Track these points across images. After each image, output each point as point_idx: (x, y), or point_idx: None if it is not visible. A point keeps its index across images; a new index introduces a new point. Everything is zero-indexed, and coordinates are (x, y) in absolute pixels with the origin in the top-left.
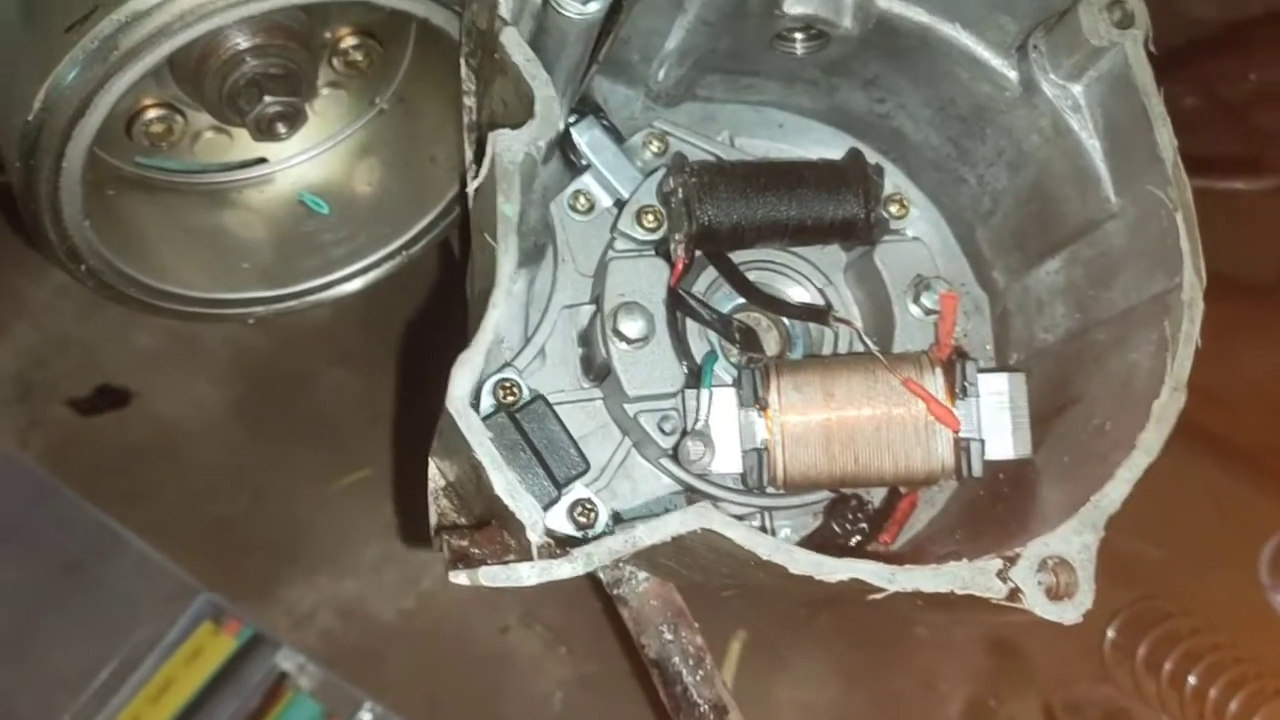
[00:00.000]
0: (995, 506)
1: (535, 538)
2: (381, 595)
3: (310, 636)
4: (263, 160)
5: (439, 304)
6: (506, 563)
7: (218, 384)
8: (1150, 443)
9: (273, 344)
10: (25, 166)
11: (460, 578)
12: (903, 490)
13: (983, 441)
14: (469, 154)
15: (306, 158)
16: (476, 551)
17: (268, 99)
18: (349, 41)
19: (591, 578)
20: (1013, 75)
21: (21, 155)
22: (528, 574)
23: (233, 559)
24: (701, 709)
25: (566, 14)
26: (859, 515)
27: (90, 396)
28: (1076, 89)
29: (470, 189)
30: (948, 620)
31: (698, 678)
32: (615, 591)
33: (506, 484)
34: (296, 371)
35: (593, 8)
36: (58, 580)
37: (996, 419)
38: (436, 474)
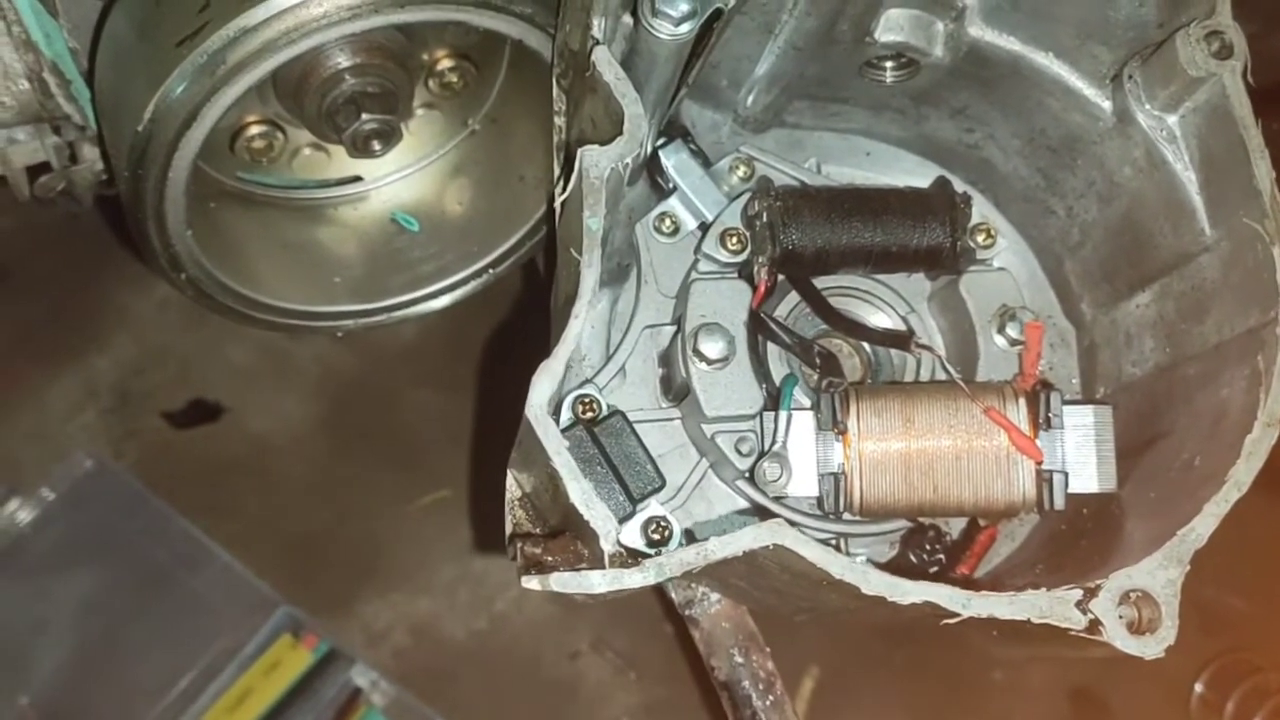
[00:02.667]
0: (1078, 542)
1: (608, 546)
2: (455, 615)
3: (384, 653)
4: (358, 178)
5: (522, 327)
6: (578, 570)
7: (306, 401)
8: (1241, 477)
9: (360, 363)
10: (133, 175)
11: (532, 583)
12: (982, 522)
13: (1066, 474)
14: (558, 172)
15: (400, 177)
16: (549, 559)
17: (364, 116)
18: (445, 64)
19: (665, 601)
20: (1106, 105)
21: (130, 164)
22: (599, 582)
23: (313, 573)
24: None
25: (658, 35)
26: (936, 546)
27: (184, 410)
28: (1172, 120)
29: (557, 204)
30: (1025, 657)
31: (768, 703)
32: (687, 612)
33: (581, 492)
34: (382, 391)
35: (683, 29)
36: (145, 588)
37: (1081, 452)
38: (514, 485)
